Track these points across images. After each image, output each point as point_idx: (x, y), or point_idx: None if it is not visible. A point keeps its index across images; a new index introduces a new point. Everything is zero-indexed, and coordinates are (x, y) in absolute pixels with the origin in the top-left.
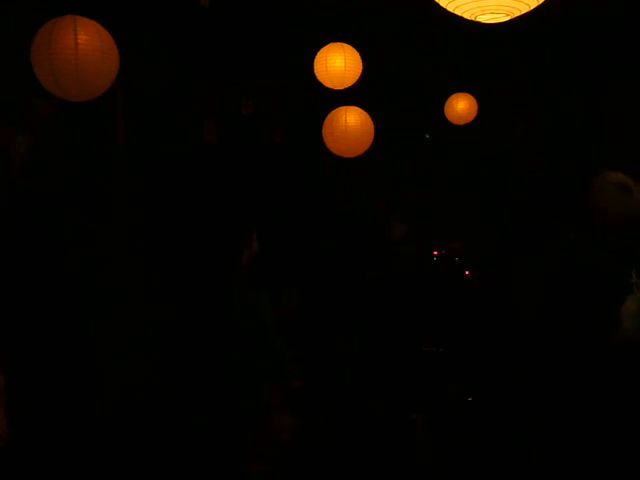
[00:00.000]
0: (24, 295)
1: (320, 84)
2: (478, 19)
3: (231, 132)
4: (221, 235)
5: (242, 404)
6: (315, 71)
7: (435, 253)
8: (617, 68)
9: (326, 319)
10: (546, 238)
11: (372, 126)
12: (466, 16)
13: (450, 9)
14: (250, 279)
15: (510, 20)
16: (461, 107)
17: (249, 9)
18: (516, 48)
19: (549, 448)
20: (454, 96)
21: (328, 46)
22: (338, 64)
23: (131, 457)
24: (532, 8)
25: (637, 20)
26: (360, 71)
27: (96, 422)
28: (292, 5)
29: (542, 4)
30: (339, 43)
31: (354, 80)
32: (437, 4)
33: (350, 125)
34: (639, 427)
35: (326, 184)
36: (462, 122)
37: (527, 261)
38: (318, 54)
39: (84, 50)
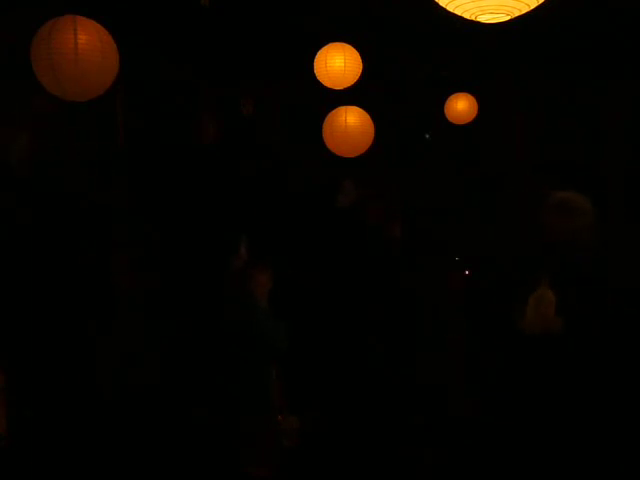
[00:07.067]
0: (24, 295)
1: (320, 84)
2: (478, 19)
3: (231, 132)
4: (215, 239)
5: (242, 403)
6: (315, 71)
7: None
8: (617, 68)
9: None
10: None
11: (372, 126)
12: (466, 16)
13: (450, 9)
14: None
15: (510, 20)
16: (461, 107)
17: (249, 9)
18: (516, 48)
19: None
20: (454, 96)
21: (328, 46)
22: (338, 64)
23: (131, 457)
24: (532, 8)
25: (637, 20)
26: (360, 71)
27: (96, 421)
28: (292, 5)
29: (542, 4)
30: (339, 43)
31: (354, 80)
32: (437, 4)
33: (350, 125)
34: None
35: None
36: (462, 122)
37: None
38: (318, 54)
39: (84, 50)
